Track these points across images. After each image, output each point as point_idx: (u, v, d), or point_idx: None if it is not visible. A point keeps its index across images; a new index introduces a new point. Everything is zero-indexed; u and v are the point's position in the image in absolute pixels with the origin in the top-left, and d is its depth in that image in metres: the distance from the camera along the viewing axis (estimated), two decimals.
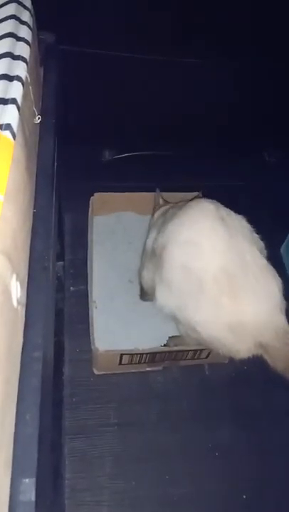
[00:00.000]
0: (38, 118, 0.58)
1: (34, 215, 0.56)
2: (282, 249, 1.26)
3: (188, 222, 0.85)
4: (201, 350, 0.97)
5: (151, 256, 0.95)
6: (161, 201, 1.08)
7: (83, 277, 1.06)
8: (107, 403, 0.97)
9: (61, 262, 1.05)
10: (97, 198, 1.15)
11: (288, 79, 1.23)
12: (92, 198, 1.14)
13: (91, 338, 0.95)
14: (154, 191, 1.12)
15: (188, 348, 0.96)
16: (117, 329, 1.02)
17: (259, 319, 0.77)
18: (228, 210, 0.86)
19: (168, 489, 0.90)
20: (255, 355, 0.80)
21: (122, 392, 0.99)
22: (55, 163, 0.66)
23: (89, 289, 1.03)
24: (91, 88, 1.19)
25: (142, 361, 0.98)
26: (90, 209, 1.13)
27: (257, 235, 0.86)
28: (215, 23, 1.09)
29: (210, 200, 0.87)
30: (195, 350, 0.97)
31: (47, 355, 0.47)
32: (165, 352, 0.97)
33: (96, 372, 0.99)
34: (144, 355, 0.96)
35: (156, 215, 1.04)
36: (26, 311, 0.48)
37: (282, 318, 0.79)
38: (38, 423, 0.42)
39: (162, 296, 0.88)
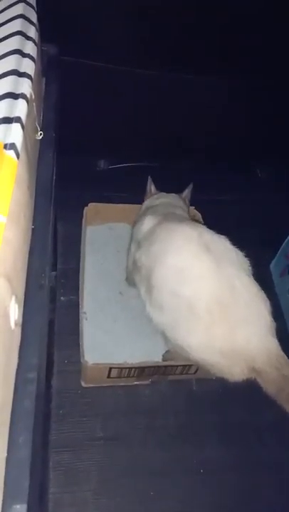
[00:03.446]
0: (40, 134, 0.58)
1: (32, 231, 0.55)
2: (272, 265, 1.28)
3: (173, 249, 0.84)
4: (190, 366, 0.98)
5: (133, 266, 0.96)
6: (153, 189, 1.10)
7: (74, 287, 1.05)
8: (93, 417, 0.96)
9: (54, 273, 1.05)
10: (91, 209, 1.15)
11: (283, 99, 1.26)
12: (86, 208, 1.14)
13: (81, 350, 0.94)
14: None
15: (178, 364, 0.97)
16: (106, 341, 1.02)
17: (251, 345, 0.78)
18: (210, 232, 0.86)
19: (153, 506, 0.89)
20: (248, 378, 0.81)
21: (109, 405, 0.98)
22: (54, 177, 0.66)
23: (80, 300, 1.02)
24: (87, 99, 1.19)
25: (131, 375, 0.97)
26: (84, 219, 1.12)
27: (242, 253, 0.86)
28: (215, 42, 1.11)
29: (192, 225, 0.88)
30: (184, 366, 0.98)
31: (40, 376, 0.47)
32: (154, 366, 0.97)
33: (84, 384, 0.99)
34: (133, 369, 0.96)
35: (142, 207, 1.06)
36: (22, 331, 0.47)
37: (274, 342, 0.80)
38: (30, 447, 0.41)
39: (155, 315, 0.88)
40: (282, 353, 0.79)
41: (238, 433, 0.99)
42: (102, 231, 1.19)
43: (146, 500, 0.89)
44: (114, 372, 0.95)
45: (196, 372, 1.00)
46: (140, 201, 1.15)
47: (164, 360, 1.00)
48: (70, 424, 0.94)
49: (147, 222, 0.96)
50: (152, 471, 0.92)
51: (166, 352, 1.00)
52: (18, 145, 0.43)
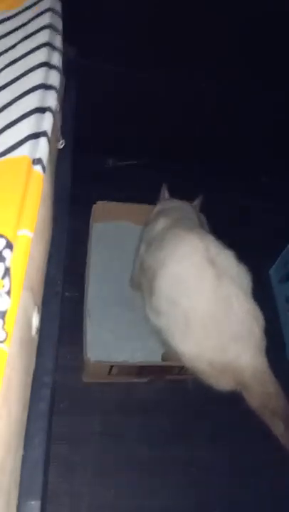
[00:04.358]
0: (62, 143, 0.59)
1: (50, 241, 0.57)
2: (272, 271, 1.30)
3: (177, 260, 0.87)
4: (187, 368, 1.01)
5: (140, 265, 0.98)
6: (166, 195, 1.12)
7: (78, 284, 1.07)
8: (92, 412, 0.99)
9: None
10: (99, 207, 1.16)
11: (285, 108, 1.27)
12: (94, 206, 1.15)
13: (83, 347, 0.97)
14: (154, 202, 1.14)
15: (176, 364, 1.00)
16: (108, 339, 1.04)
17: (240, 361, 0.81)
18: (217, 246, 0.88)
19: (145, 500, 0.93)
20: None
21: (107, 402, 1.02)
22: (71, 186, 0.68)
23: (84, 297, 1.04)
24: (97, 99, 1.20)
25: (131, 373, 1.01)
26: (92, 217, 1.14)
27: (244, 269, 0.88)
28: (225, 48, 1.12)
29: (201, 234, 0.90)
30: (181, 367, 1.01)
31: (55, 379, 0.49)
32: (154, 365, 1.01)
33: (85, 380, 1.01)
34: (134, 368, 0.99)
35: (154, 212, 1.07)
36: (39, 337, 0.50)
37: (262, 359, 0.83)
38: (44, 447, 0.44)
39: (152, 318, 0.92)
40: (269, 371, 0.83)
41: (230, 434, 1.03)
42: (109, 229, 1.21)
43: (139, 495, 0.93)
44: (115, 370, 0.98)
45: (192, 373, 1.03)
46: (147, 200, 1.17)
47: (162, 360, 1.03)
48: (69, 418, 0.97)
49: (159, 224, 0.98)
50: (146, 467, 0.96)
51: (165, 352, 1.03)
52: (45, 160, 0.45)
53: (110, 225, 1.21)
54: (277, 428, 0.80)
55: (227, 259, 0.87)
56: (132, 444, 0.98)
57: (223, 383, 0.84)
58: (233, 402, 1.04)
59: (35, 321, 0.43)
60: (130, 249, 1.17)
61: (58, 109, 0.53)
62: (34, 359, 0.47)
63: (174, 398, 1.06)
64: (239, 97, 1.28)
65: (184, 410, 1.05)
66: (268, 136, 1.38)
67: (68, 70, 0.80)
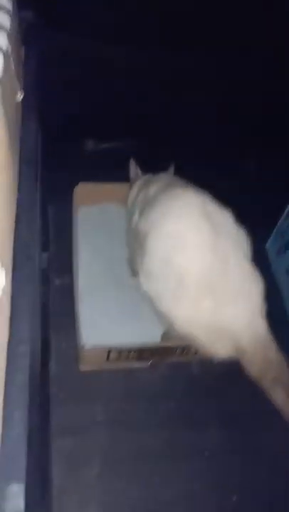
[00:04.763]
0: (21, 94, 0.54)
1: (17, 202, 0.52)
2: (268, 244, 1.25)
3: (173, 215, 0.82)
4: (189, 347, 0.95)
5: (135, 237, 0.92)
6: (139, 173, 1.07)
7: (68, 271, 1.02)
8: (94, 401, 0.94)
9: (45, 254, 1.01)
10: (81, 189, 1.11)
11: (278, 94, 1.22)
12: (75, 188, 1.10)
13: (78, 333, 0.91)
14: None
15: (177, 345, 0.94)
16: (103, 324, 0.99)
17: (238, 325, 0.76)
18: (214, 204, 0.83)
19: (158, 490, 0.87)
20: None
21: (108, 389, 0.96)
22: (39, 148, 0.62)
23: (74, 282, 0.99)
24: (73, 76, 1.15)
25: (130, 357, 0.95)
26: (74, 200, 1.09)
27: (243, 231, 0.83)
28: (209, 25, 1.07)
29: (197, 192, 0.84)
30: (183, 347, 0.95)
31: (34, 350, 0.44)
32: (153, 348, 0.95)
33: (82, 368, 0.96)
34: (132, 351, 0.93)
35: (135, 189, 1.01)
36: (12, 303, 0.44)
37: (262, 323, 0.77)
38: (26, 423, 0.39)
39: (144, 283, 0.86)
40: (269, 336, 0.77)
41: (241, 416, 0.97)
42: (93, 213, 1.15)
43: (151, 484, 0.87)
44: (113, 355, 0.92)
45: (195, 354, 0.98)
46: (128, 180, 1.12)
47: (162, 341, 0.97)
48: (70, 408, 0.92)
49: (151, 189, 0.93)
50: (155, 454, 0.90)
51: (164, 333, 0.97)
52: None
53: (94, 208, 1.15)
54: (278, 396, 0.75)
55: (225, 218, 0.82)
56: (139, 432, 0.92)
57: (221, 350, 0.78)
58: (241, 382, 1.00)
59: (0, 278, 0.38)
60: (117, 230, 1.12)
61: (9, 53, 0.47)
62: (4, 325, 0.41)
63: (179, 382, 1.00)
64: (228, 76, 1.22)
65: (191, 394, 0.98)
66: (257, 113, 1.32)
67: (28, 33, 0.75)
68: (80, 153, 1.26)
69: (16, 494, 0.35)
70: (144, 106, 1.25)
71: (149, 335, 0.97)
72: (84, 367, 0.96)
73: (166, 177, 1.01)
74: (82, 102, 1.20)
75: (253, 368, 0.76)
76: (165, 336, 0.96)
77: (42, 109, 0.74)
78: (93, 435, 0.90)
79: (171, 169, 1.08)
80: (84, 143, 1.28)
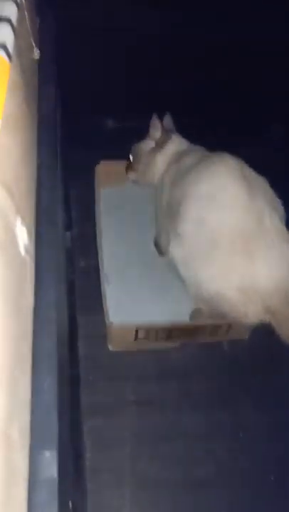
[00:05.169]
0: (38, 53, 0.51)
1: (38, 166, 0.50)
2: None
3: (210, 176, 0.81)
4: (220, 326, 0.92)
5: (167, 212, 0.90)
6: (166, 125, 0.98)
7: (93, 252, 1.00)
8: (124, 381, 0.92)
9: (69, 232, 0.99)
10: (102, 167, 1.08)
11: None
12: (97, 166, 1.08)
13: (104, 312, 0.89)
14: None
15: (207, 324, 0.91)
16: (131, 304, 0.96)
17: (271, 283, 0.75)
18: (251, 170, 0.83)
19: (191, 470, 0.85)
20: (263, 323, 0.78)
21: (138, 369, 0.94)
22: (58, 116, 0.60)
23: (100, 262, 0.97)
24: (94, 54, 1.12)
25: (159, 337, 0.92)
26: (96, 178, 1.07)
27: (279, 200, 0.83)
28: None
29: (234, 157, 0.83)
30: (214, 326, 0.92)
31: (61, 316, 0.42)
32: (183, 327, 0.92)
33: (111, 348, 0.94)
34: (161, 330, 0.90)
35: (160, 163, 0.96)
36: (37, 268, 0.42)
37: None
38: (56, 390, 0.37)
39: (174, 249, 0.86)
40: None
41: (276, 395, 0.93)
42: (115, 192, 1.12)
43: (184, 465, 0.85)
44: (141, 334, 0.90)
45: (227, 332, 0.94)
46: None
47: (191, 320, 0.94)
48: (100, 389, 0.90)
49: (186, 160, 0.90)
50: (188, 435, 0.88)
51: (194, 311, 0.94)
52: (10, 46, 0.37)
53: (117, 187, 1.12)
54: None
55: (262, 182, 0.82)
56: (170, 412, 0.90)
57: (251, 312, 0.77)
58: (275, 361, 0.96)
59: (22, 236, 0.35)
60: (140, 209, 1.09)
61: (24, 5, 0.45)
62: (29, 287, 0.39)
63: (210, 362, 0.97)
64: (245, 39, 1.16)
65: (223, 374, 0.95)
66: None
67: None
68: (100, 133, 1.23)
69: (50, 461, 0.34)
70: (166, 83, 1.21)
71: (177, 314, 0.94)
72: (112, 347, 0.94)
73: (199, 149, 0.97)
74: (99, 77, 1.17)
75: (284, 329, 0.76)
76: (194, 314, 0.93)
77: (59, 83, 0.71)
78: (124, 415, 0.88)
79: (168, 118, 1.01)
80: (105, 121, 1.25)
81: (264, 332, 0.92)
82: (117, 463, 0.84)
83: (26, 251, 0.37)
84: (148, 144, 0.99)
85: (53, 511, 0.33)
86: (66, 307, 0.69)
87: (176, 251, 0.85)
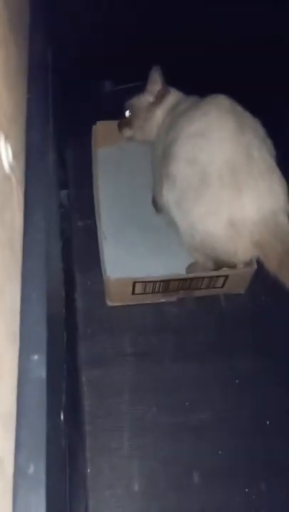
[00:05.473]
0: None
1: (28, 102, 0.51)
2: None
3: (200, 113, 0.82)
4: (217, 277, 0.94)
5: (162, 161, 0.90)
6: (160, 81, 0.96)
7: (90, 212, 1.02)
8: (122, 334, 0.94)
9: (65, 191, 1.00)
10: (99, 127, 1.09)
11: None
12: (94, 127, 1.08)
13: (102, 267, 0.91)
14: None
15: (203, 275, 0.93)
16: (128, 259, 0.98)
17: (259, 215, 0.76)
18: (244, 109, 0.83)
19: (189, 415, 0.88)
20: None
21: (136, 323, 0.96)
22: (50, 58, 0.60)
23: (97, 220, 0.99)
24: (88, 13, 1.10)
25: (156, 290, 0.94)
26: (93, 138, 1.07)
27: (270, 141, 0.82)
28: None
29: (227, 97, 0.83)
30: (210, 278, 0.94)
31: (50, 239, 0.43)
32: (179, 279, 0.94)
33: (109, 303, 0.96)
34: (158, 283, 0.92)
35: (157, 118, 0.97)
36: (25, 197, 0.44)
37: (284, 218, 0.77)
38: (45, 303, 0.39)
39: (166, 192, 0.86)
40: None
41: (271, 346, 0.95)
42: (112, 152, 1.13)
43: (181, 411, 0.88)
44: (138, 288, 0.92)
45: (223, 285, 0.96)
46: None
47: (187, 273, 0.96)
48: (98, 341, 0.93)
49: (181, 106, 0.91)
50: (186, 384, 0.90)
51: (190, 265, 0.96)
52: None
53: (114, 148, 1.13)
54: None
55: (253, 121, 0.81)
56: (168, 362, 0.93)
57: (241, 248, 0.79)
58: (272, 315, 0.98)
59: (6, 153, 0.37)
60: (137, 169, 1.10)
61: None
62: (16, 209, 0.41)
63: (207, 316, 0.99)
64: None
65: (220, 326, 0.98)
66: None
67: None
68: (97, 96, 1.23)
69: (38, 364, 0.36)
70: (164, 43, 1.19)
71: (174, 269, 0.96)
72: (110, 302, 0.96)
73: (195, 97, 0.96)
74: (96, 42, 1.15)
75: (272, 261, 0.77)
76: (190, 267, 0.95)
77: (52, 43, 0.71)
78: (123, 366, 0.91)
79: (156, 70, 0.97)
80: (101, 84, 1.24)
81: (262, 285, 0.96)
82: (116, 409, 0.87)
83: (11, 169, 0.38)
84: (145, 99, 0.99)
85: (42, 409, 0.35)
86: (62, 264, 0.71)
87: (170, 194, 0.86)
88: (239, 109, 0.82)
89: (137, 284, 0.91)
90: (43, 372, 0.35)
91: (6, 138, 0.36)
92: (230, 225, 0.77)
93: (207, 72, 1.20)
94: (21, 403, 0.34)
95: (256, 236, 0.77)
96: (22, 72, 0.52)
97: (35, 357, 0.36)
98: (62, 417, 0.43)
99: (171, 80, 1.17)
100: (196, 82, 1.17)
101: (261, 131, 0.82)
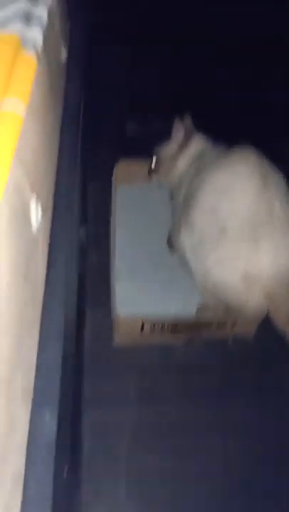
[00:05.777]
0: (65, 54, 0.55)
1: (59, 156, 0.53)
2: None
3: (226, 166, 0.84)
4: (225, 322, 0.94)
5: (183, 206, 0.92)
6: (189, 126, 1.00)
7: (106, 249, 1.03)
8: (127, 374, 0.94)
9: (84, 228, 1.02)
10: (122, 166, 1.12)
11: None
12: (116, 165, 1.11)
13: (112, 304, 0.92)
14: None
15: (212, 319, 0.93)
16: (139, 299, 0.99)
17: (275, 271, 0.77)
18: (269, 163, 0.84)
19: (188, 464, 0.86)
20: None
21: (143, 363, 0.96)
22: (81, 112, 0.64)
23: (111, 258, 1.00)
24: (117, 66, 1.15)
25: (164, 331, 0.94)
26: (114, 177, 1.10)
27: None
28: None
29: (254, 150, 0.85)
30: (219, 322, 0.94)
31: (69, 289, 0.45)
32: (188, 322, 0.94)
33: (117, 340, 0.97)
34: (166, 324, 0.93)
35: (181, 164, 1.00)
36: (50, 247, 0.45)
37: None
38: (61, 352, 0.39)
39: (184, 237, 0.88)
40: None
41: (276, 395, 0.94)
42: (133, 191, 1.16)
43: (181, 459, 0.86)
44: (147, 327, 0.93)
45: (231, 329, 0.96)
46: None
47: (197, 314, 0.96)
48: (103, 380, 0.93)
49: (207, 157, 0.93)
50: (187, 430, 0.89)
51: (200, 306, 0.96)
52: (39, 46, 0.41)
53: (134, 187, 1.16)
54: None
55: (278, 176, 0.83)
56: (171, 405, 0.92)
57: (252, 300, 0.79)
58: (279, 359, 0.97)
59: (35, 212, 0.39)
60: (156, 209, 1.12)
61: (54, 10, 0.49)
62: (40, 261, 0.42)
63: (214, 358, 0.98)
64: None
65: (227, 370, 0.97)
66: None
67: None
68: (121, 137, 1.27)
69: (49, 420, 0.36)
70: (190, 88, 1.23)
71: (183, 311, 0.96)
72: (118, 338, 0.96)
73: (221, 147, 0.98)
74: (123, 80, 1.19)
75: (281, 315, 0.78)
76: (201, 309, 0.95)
77: (84, 84, 0.75)
78: (125, 408, 0.91)
79: (188, 118, 1.02)
80: (127, 126, 1.29)
81: (269, 330, 0.95)
82: (114, 454, 0.85)
83: (39, 227, 0.40)
84: (170, 147, 1.03)
85: (50, 467, 0.35)
86: (75, 299, 0.72)
87: (187, 239, 0.87)
88: (265, 163, 0.83)
89: (145, 323, 0.92)
90: (53, 428, 0.36)
91: (38, 197, 0.38)
92: (245, 277, 0.78)
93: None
94: (30, 461, 0.35)
95: (268, 290, 0.77)
96: (57, 124, 0.55)
97: (47, 413, 0.36)
98: (65, 473, 0.43)
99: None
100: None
101: (283, 185, 0.83)
